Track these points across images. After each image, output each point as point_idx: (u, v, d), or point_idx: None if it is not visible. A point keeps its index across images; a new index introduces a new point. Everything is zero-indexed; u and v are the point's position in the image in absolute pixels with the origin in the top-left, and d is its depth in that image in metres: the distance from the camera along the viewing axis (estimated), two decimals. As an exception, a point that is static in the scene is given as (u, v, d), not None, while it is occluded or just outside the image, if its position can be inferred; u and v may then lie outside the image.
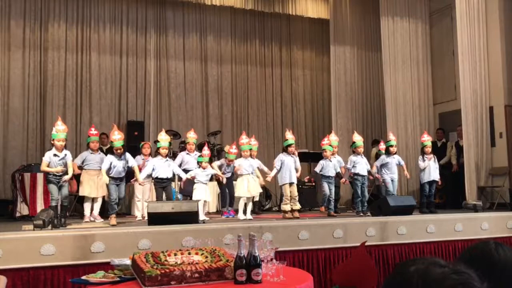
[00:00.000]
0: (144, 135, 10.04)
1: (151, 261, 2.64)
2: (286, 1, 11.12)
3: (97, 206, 6.63)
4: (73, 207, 7.66)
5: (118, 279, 2.72)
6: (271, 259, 2.83)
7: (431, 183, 7.47)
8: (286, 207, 6.66)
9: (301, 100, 12.11)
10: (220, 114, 11.29)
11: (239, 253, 2.60)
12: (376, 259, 5.54)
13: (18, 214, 7.33)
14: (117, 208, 6.15)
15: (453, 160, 8.87)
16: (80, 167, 6.61)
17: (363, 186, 7.24)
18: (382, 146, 7.77)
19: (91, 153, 6.53)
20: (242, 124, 11.39)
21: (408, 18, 9.84)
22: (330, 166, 7.18)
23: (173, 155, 7.63)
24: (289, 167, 6.78)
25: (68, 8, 10.12)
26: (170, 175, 6.54)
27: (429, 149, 7.52)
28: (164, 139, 6.64)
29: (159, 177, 6.45)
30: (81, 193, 6.68)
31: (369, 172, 7.37)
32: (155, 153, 6.97)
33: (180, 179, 6.95)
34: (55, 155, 5.69)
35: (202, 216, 6.21)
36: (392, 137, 7.64)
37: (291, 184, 6.76)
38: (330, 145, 7.34)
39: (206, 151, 6.76)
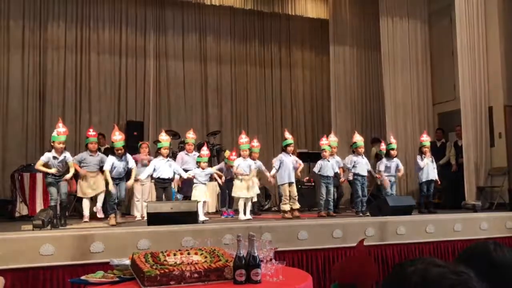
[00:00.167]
0: (144, 135, 10.03)
1: (150, 261, 2.64)
2: (285, 1, 11.12)
3: (100, 198, 6.62)
4: (73, 207, 7.65)
5: (117, 279, 2.72)
6: (271, 259, 2.83)
7: (429, 182, 7.47)
8: (285, 207, 6.66)
9: (300, 100, 12.11)
10: (219, 114, 11.30)
11: (238, 253, 2.60)
12: (375, 259, 5.53)
13: (17, 214, 7.34)
14: (116, 208, 6.15)
15: (452, 160, 8.88)
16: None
17: (363, 186, 7.25)
18: (383, 146, 7.77)
19: (90, 154, 6.52)
20: (241, 124, 11.39)
21: (408, 18, 9.85)
22: (328, 166, 7.16)
23: (172, 155, 7.62)
24: (288, 167, 6.78)
25: (68, 8, 10.12)
26: (171, 175, 6.54)
27: (427, 150, 7.52)
28: (165, 139, 6.64)
29: (161, 177, 6.45)
30: (78, 194, 6.69)
31: (369, 172, 7.38)
32: (156, 153, 6.97)
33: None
34: (54, 157, 5.69)
35: (202, 217, 6.21)
36: (393, 140, 7.64)
37: (290, 184, 6.76)
38: (329, 145, 7.33)
39: (205, 151, 6.75)
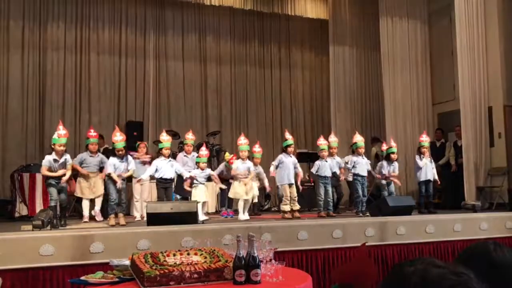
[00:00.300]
0: (143, 135, 10.03)
1: (150, 262, 2.64)
2: (285, 2, 11.12)
3: (98, 202, 6.62)
4: (72, 207, 7.65)
5: (117, 279, 2.72)
6: (270, 260, 2.83)
7: (427, 182, 7.47)
8: (286, 207, 6.66)
9: (300, 100, 12.11)
10: (219, 115, 11.30)
11: (238, 253, 2.60)
12: (375, 259, 5.53)
13: (17, 214, 7.33)
14: (116, 208, 6.15)
15: (452, 160, 8.88)
16: None
17: (363, 186, 7.24)
18: (385, 147, 7.76)
19: (90, 155, 6.52)
20: (241, 124, 11.40)
21: (407, 19, 9.85)
22: (326, 166, 7.12)
23: (172, 156, 7.62)
24: (288, 168, 6.78)
25: (67, 9, 10.11)
26: (173, 176, 6.55)
27: (425, 150, 7.52)
28: (166, 139, 6.63)
29: (163, 177, 6.46)
30: (76, 194, 6.69)
31: (369, 172, 7.38)
32: (157, 153, 6.97)
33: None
34: (55, 160, 5.70)
35: (202, 217, 6.20)
36: (393, 144, 7.63)
37: (290, 185, 6.76)
38: (327, 145, 7.29)
39: (203, 151, 6.75)
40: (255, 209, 7.73)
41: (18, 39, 9.69)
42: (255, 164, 7.03)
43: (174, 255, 2.79)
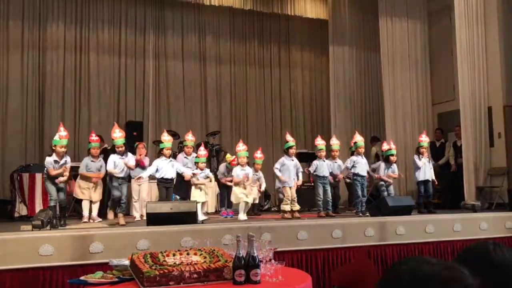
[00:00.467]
0: (143, 135, 10.03)
1: (149, 262, 2.64)
2: (285, 2, 11.12)
3: (95, 207, 6.63)
4: (72, 208, 7.64)
5: (116, 279, 2.72)
6: (270, 260, 2.83)
7: (425, 182, 7.47)
8: (286, 207, 6.66)
9: (300, 101, 12.11)
10: (219, 115, 11.30)
11: (237, 253, 2.60)
12: (375, 259, 5.54)
13: (16, 215, 7.32)
14: (119, 208, 6.17)
15: (452, 160, 8.89)
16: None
17: (363, 186, 7.24)
18: (385, 147, 7.76)
19: (92, 160, 6.52)
20: (240, 124, 11.40)
21: (407, 19, 9.84)
22: (324, 166, 7.11)
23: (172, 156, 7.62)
24: (289, 170, 6.80)
25: (67, 9, 10.11)
26: (174, 175, 6.55)
27: (424, 150, 7.52)
28: (167, 140, 6.64)
29: (164, 177, 6.46)
30: (76, 196, 6.69)
31: (368, 172, 7.38)
32: (158, 153, 6.97)
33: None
34: (55, 161, 5.70)
35: (201, 217, 6.21)
36: (392, 146, 7.63)
37: (290, 186, 6.77)
38: (325, 145, 7.29)
39: (202, 151, 6.75)
40: (255, 209, 7.73)
41: (18, 39, 9.68)
42: (256, 170, 7.03)
43: (174, 255, 2.78)
